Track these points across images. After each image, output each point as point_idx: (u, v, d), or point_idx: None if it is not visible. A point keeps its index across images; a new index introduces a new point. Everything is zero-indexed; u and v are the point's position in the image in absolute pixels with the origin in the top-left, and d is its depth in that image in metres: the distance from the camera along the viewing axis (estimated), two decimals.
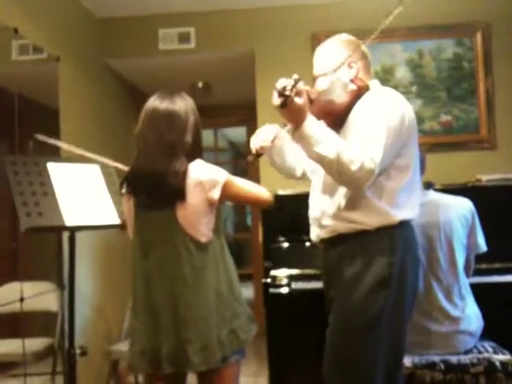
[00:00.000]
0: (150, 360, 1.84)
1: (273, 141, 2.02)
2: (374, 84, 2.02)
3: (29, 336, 2.84)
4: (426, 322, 2.49)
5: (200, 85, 4.97)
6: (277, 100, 1.71)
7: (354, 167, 1.72)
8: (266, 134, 2.03)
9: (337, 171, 1.76)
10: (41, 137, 2.27)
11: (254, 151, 2.04)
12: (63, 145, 2.39)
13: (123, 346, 3.40)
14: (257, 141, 2.06)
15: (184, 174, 1.83)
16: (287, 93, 1.68)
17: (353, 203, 1.91)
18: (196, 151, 1.94)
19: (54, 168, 2.27)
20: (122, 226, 2.27)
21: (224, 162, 7.77)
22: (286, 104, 1.70)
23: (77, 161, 2.38)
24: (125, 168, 2.09)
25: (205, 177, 1.85)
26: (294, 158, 2.24)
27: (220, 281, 1.90)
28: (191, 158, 1.89)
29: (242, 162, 8.81)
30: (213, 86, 5.04)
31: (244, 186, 1.97)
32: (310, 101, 1.82)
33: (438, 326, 2.49)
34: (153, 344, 1.84)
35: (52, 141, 2.30)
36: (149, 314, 1.86)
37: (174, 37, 4.06)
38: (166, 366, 1.82)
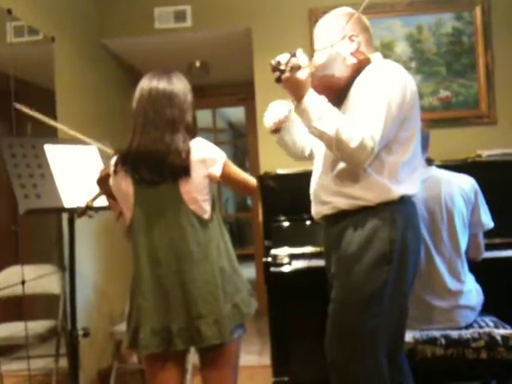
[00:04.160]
0: (162, 338, 1.84)
1: (287, 116, 2.05)
2: (376, 57, 2.00)
3: (31, 319, 2.86)
4: (427, 296, 2.49)
5: (197, 64, 4.92)
6: (274, 75, 1.73)
7: (352, 145, 1.72)
8: (280, 110, 2.07)
9: (336, 148, 1.76)
10: (20, 106, 2.20)
11: (270, 128, 2.12)
12: (46, 120, 2.26)
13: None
14: (271, 117, 2.08)
15: (188, 151, 1.84)
16: (282, 67, 1.69)
17: (354, 179, 1.90)
18: (195, 130, 1.95)
19: (51, 150, 2.26)
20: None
21: (223, 142, 7.73)
22: (281, 79, 1.72)
23: (74, 142, 2.37)
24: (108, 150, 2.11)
25: (207, 154, 1.88)
26: (304, 137, 2.22)
27: (221, 256, 1.92)
28: (192, 137, 1.90)
29: (242, 141, 8.79)
30: (210, 65, 4.99)
31: (237, 169, 2.00)
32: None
33: (439, 300, 2.49)
34: (164, 322, 1.85)
35: (34, 113, 2.20)
36: (157, 292, 1.86)
37: (170, 15, 4.01)
38: (179, 343, 1.84)
